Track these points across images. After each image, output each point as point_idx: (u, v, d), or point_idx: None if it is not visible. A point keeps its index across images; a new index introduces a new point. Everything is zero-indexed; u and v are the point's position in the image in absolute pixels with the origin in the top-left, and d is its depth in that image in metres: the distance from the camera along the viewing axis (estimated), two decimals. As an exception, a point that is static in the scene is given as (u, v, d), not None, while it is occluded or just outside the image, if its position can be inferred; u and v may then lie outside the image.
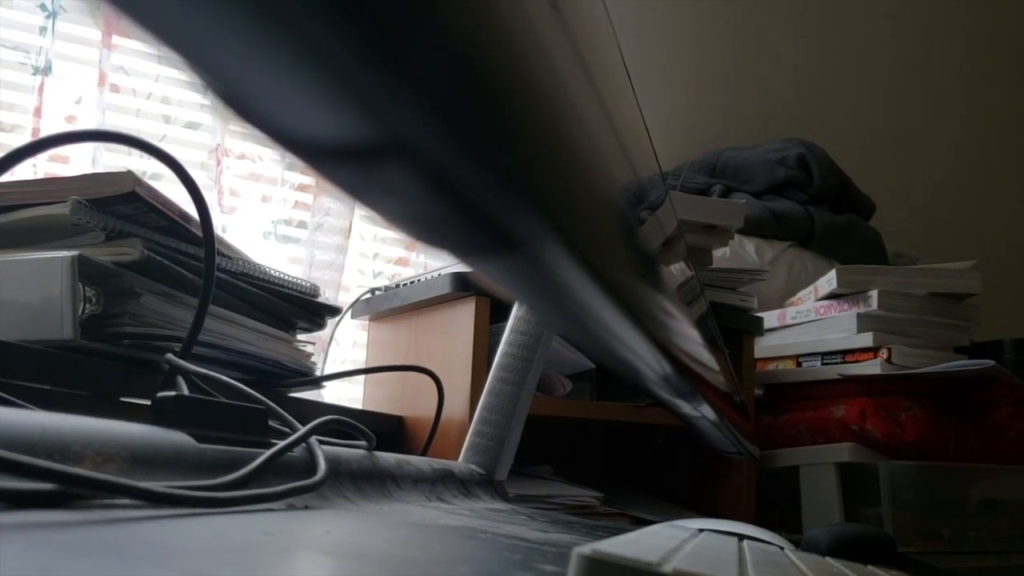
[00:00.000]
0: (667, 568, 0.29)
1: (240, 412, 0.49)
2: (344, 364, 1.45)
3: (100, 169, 1.24)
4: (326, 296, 1.05)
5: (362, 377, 1.36)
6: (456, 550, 0.36)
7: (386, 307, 1.29)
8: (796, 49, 2.16)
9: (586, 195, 0.23)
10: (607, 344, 0.49)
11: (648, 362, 0.51)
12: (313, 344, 1.04)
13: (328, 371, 1.24)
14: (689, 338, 0.52)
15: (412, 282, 1.24)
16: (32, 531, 0.25)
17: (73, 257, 0.68)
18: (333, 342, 1.33)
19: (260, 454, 0.46)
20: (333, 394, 1.35)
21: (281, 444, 0.48)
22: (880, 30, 2.26)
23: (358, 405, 1.36)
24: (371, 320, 1.37)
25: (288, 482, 0.46)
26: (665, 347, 0.48)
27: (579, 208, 0.23)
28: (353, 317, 1.36)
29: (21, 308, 0.69)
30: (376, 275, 1.55)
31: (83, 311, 0.69)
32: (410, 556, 0.32)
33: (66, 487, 0.30)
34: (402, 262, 1.58)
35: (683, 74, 2.02)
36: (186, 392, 0.62)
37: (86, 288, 0.69)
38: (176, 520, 0.32)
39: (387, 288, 1.30)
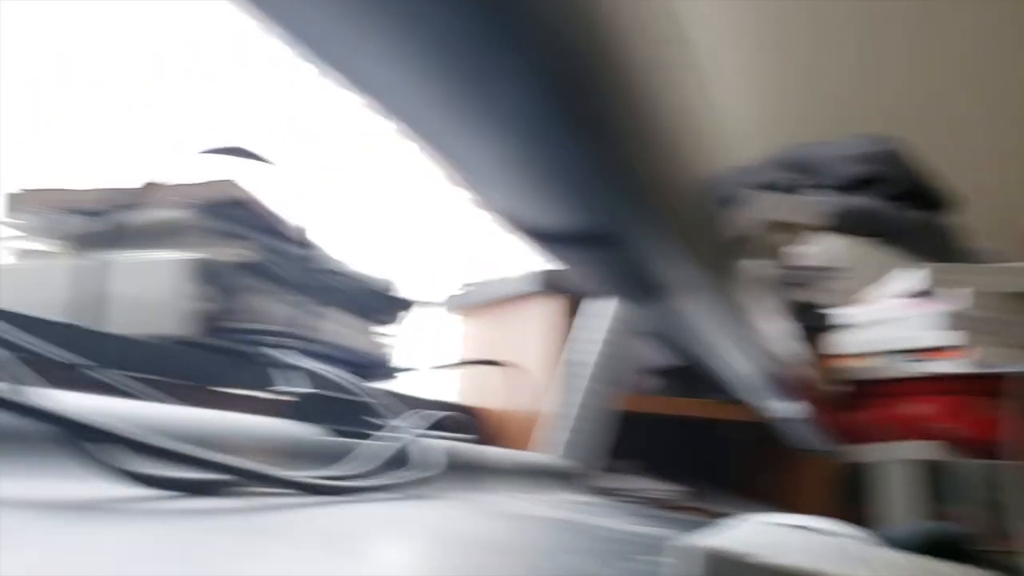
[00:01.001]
0: (786, 562, 0.32)
1: (359, 407, 0.53)
2: (434, 357, 1.49)
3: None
4: (411, 291, 1.10)
5: (449, 369, 1.40)
6: (563, 541, 0.40)
7: (475, 302, 1.33)
8: (873, 43, 2.14)
9: (678, 190, 0.26)
10: (698, 339, 0.52)
11: (733, 357, 0.54)
12: (399, 337, 1.08)
13: (416, 364, 1.29)
14: (771, 335, 0.55)
15: (500, 279, 1.28)
16: (223, 517, 0.29)
17: (191, 259, 0.73)
18: (421, 335, 1.38)
19: (378, 446, 0.50)
20: (421, 385, 1.40)
21: (398, 437, 0.52)
22: (961, 17, 2.22)
23: (445, 397, 1.41)
24: (459, 314, 1.42)
25: (405, 473, 0.50)
26: (750, 342, 0.50)
27: (672, 202, 0.26)
28: (447, 311, 1.41)
29: (144, 305, 0.75)
30: (466, 271, 1.59)
31: (200, 308, 0.74)
32: (525, 545, 0.36)
33: (232, 478, 0.35)
34: (490, 259, 1.62)
35: (760, 71, 2.02)
36: (297, 386, 0.67)
37: (202, 287, 0.75)
38: (324, 508, 0.36)
39: (476, 284, 1.35)
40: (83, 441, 0.29)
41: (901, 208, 1.72)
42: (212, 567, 0.21)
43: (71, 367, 0.46)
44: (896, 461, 1.33)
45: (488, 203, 0.25)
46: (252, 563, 0.23)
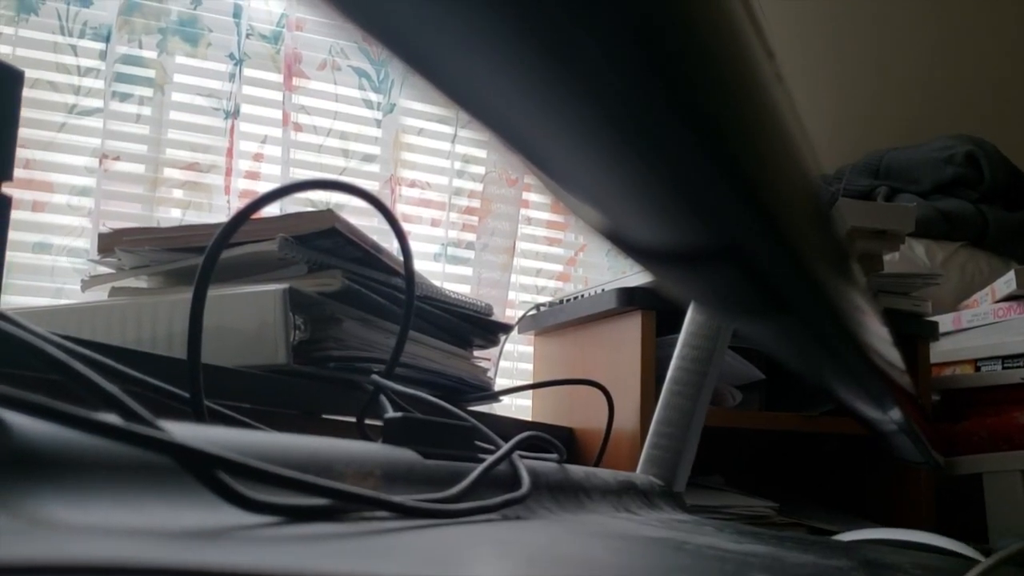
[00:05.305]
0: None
1: (452, 429, 0.53)
2: (512, 378, 1.50)
3: (291, 204, 1.34)
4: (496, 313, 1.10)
5: (530, 390, 1.40)
6: (673, 561, 0.39)
7: (551, 322, 1.33)
8: (959, 41, 2.08)
9: (793, 199, 0.26)
10: (799, 350, 0.51)
11: (838, 367, 0.52)
12: (489, 360, 1.09)
13: (498, 385, 1.29)
14: (874, 344, 0.53)
15: (577, 298, 1.27)
16: (337, 541, 0.29)
17: (284, 290, 0.75)
18: (508, 357, 1.38)
19: (473, 468, 0.50)
20: (502, 406, 1.40)
21: (491, 459, 0.52)
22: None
23: (526, 416, 1.40)
24: (536, 335, 1.42)
25: (498, 494, 0.50)
26: (855, 352, 0.49)
27: (787, 211, 0.25)
28: (520, 332, 1.41)
29: (239, 336, 0.77)
30: (539, 291, 1.59)
31: (294, 338, 0.76)
32: (636, 566, 0.35)
33: (339, 503, 0.35)
34: (563, 277, 1.62)
35: (837, 73, 1.98)
36: (391, 411, 0.67)
37: (295, 317, 0.76)
38: (427, 530, 0.36)
39: (552, 304, 1.34)
40: (197, 469, 0.29)
41: (992, 209, 1.66)
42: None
43: (177, 398, 0.47)
44: (1001, 472, 1.27)
45: (589, 219, 0.25)
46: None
